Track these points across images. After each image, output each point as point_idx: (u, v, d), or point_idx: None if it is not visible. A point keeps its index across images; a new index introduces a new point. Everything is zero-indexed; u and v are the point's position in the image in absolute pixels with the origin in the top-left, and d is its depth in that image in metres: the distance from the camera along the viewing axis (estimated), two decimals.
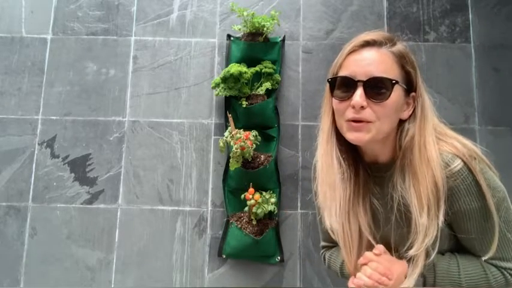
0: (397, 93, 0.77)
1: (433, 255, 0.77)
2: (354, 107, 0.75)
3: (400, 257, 0.81)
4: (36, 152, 1.72)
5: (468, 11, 1.81)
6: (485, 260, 0.79)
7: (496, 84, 1.75)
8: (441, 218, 0.75)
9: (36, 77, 1.77)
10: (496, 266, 0.79)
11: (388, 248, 0.83)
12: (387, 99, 0.75)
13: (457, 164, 0.75)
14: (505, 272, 0.78)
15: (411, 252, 0.76)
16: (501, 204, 0.77)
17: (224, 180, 1.69)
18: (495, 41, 1.78)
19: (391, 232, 0.83)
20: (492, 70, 1.76)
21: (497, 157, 0.83)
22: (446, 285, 0.78)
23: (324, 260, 1.04)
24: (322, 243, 1.06)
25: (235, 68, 1.62)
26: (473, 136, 1.70)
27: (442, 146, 0.79)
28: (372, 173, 0.86)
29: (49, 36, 1.81)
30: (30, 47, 1.79)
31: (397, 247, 0.82)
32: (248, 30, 1.72)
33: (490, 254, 0.77)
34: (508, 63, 1.76)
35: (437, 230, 0.75)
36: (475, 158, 0.77)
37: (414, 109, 0.81)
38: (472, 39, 1.79)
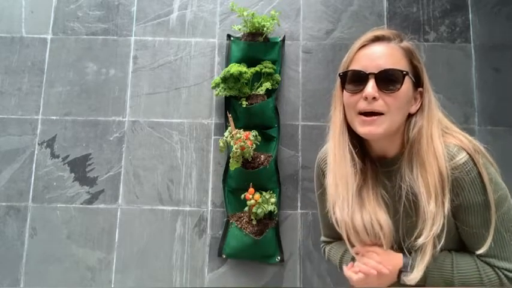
0: (407, 85, 0.79)
1: (439, 245, 0.78)
2: (366, 98, 0.78)
3: (408, 248, 0.83)
4: (36, 152, 1.72)
5: (468, 11, 1.81)
6: (480, 258, 0.80)
7: (496, 84, 1.75)
8: (447, 205, 0.76)
9: (36, 77, 1.77)
10: (490, 265, 0.79)
11: (397, 238, 0.85)
12: (398, 90, 0.78)
13: (463, 157, 0.78)
14: (499, 272, 0.78)
15: (420, 241, 0.78)
16: (503, 202, 0.78)
17: (224, 180, 1.69)
18: (495, 41, 1.78)
19: (400, 223, 0.84)
20: (492, 70, 1.76)
21: (497, 157, 0.84)
22: (438, 281, 0.80)
23: (324, 253, 1.07)
24: (323, 238, 1.08)
25: (235, 68, 1.62)
26: (472, 136, 1.69)
27: (448, 139, 0.81)
28: (380, 168, 0.88)
29: (49, 36, 1.81)
30: (30, 47, 1.79)
31: (404, 238, 0.84)
32: (248, 30, 1.72)
33: (484, 249, 0.78)
34: (508, 63, 1.76)
35: (444, 218, 0.77)
36: (478, 153, 0.79)
37: (421, 104, 0.83)
38: (472, 39, 1.79)
